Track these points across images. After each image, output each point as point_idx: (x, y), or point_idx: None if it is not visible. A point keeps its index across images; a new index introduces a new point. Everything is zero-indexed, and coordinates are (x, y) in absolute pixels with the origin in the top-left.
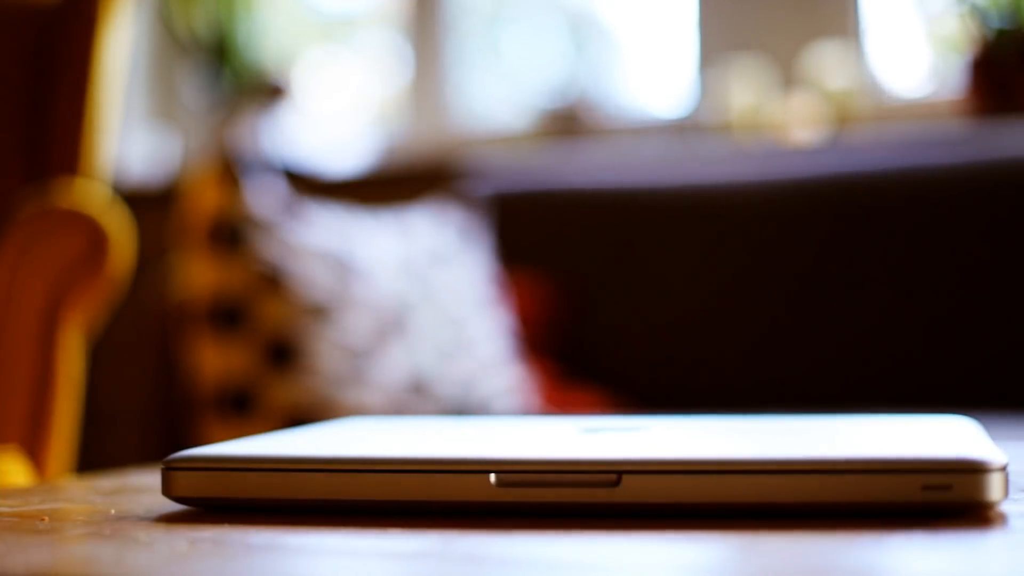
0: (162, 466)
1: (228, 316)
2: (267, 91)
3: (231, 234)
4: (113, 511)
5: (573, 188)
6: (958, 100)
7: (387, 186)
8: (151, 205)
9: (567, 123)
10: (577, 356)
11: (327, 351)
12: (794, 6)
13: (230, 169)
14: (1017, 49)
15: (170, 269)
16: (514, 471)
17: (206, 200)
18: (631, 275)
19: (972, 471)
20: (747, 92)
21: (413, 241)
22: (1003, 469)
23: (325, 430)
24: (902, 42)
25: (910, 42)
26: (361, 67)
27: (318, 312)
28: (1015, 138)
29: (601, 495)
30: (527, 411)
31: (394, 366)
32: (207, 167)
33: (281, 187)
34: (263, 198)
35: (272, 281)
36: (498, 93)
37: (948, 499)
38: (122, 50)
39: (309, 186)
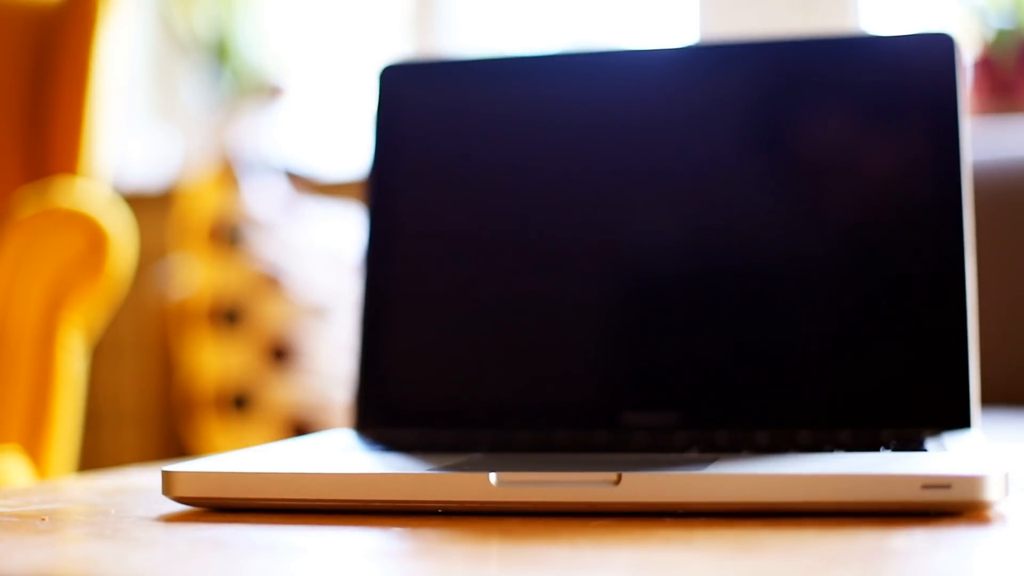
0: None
1: (228, 316)
2: (267, 91)
3: (231, 234)
4: (113, 511)
5: None
6: None
7: None
8: (151, 205)
9: None
10: None
11: (326, 351)
12: (794, 3)
13: (230, 169)
14: (1017, 49)
15: (170, 269)
16: (514, 471)
17: (206, 200)
18: None
19: (971, 470)
20: None
21: None
22: (1002, 468)
23: (327, 436)
24: None
25: None
26: (362, 67)
27: (317, 312)
28: (1015, 138)
29: (601, 495)
30: None
31: None
32: (207, 167)
33: (281, 187)
34: (263, 198)
35: (272, 281)
36: None
37: (948, 498)
38: (122, 50)
39: (309, 186)
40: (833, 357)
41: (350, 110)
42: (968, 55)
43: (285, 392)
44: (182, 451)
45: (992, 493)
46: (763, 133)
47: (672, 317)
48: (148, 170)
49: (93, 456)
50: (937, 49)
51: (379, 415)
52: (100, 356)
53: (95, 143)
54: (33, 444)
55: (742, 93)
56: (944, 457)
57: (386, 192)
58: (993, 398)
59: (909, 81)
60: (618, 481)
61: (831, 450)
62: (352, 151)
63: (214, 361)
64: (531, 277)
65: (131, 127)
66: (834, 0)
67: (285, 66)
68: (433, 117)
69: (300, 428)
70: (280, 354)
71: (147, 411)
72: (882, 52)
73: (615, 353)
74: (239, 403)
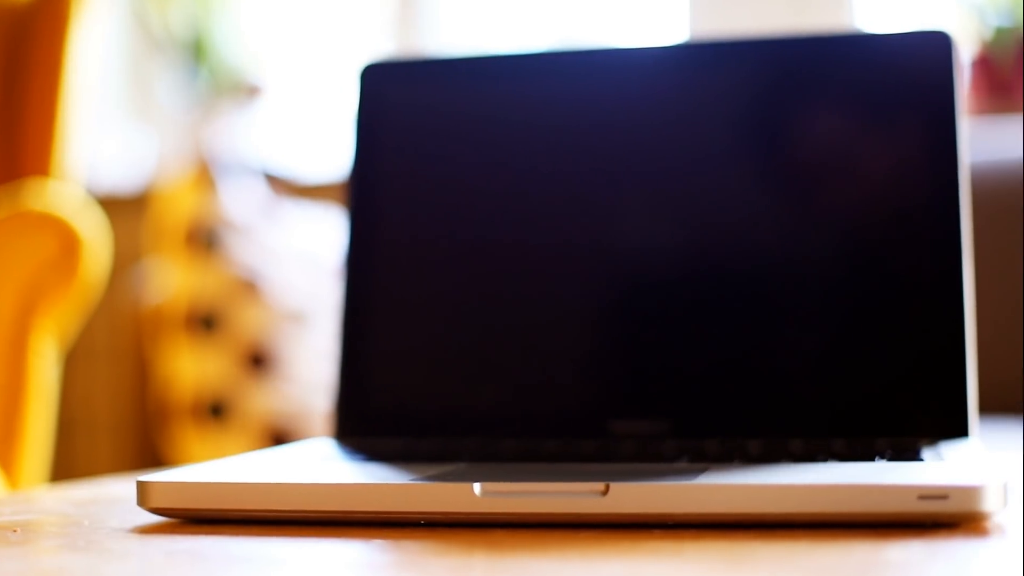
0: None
1: (204, 322)
2: (245, 90)
3: (208, 238)
4: (87, 522)
5: None
6: None
7: None
8: (125, 208)
9: None
10: None
11: (306, 357)
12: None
13: (207, 171)
14: (1016, 47)
15: (145, 274)
16: (499, 481)
17: (182, 203)
18: None
19: (969, 480)
20: None
21: None
22: (1001, 478)
23: (307, 445)
24: None
25: None
26: (342, 65)
27: (296, 318)
28: (1014, 139)
29: (588, 506)
30: None
31: None
32: (183, 169)
33: (259, 189)
34: (241, 201)
35: (249, 286)
36: None
37: (945, 509)
38: (95, 49)
39: (288, 188)
40: (826, 364)
41: (330, 110)
42: (965, 53)
43: (263, 400)
44: (157, 461)
45: (990, 504)
46: (755, 134)
47: (661, 323)
48: (122, 171)
49: (66, 465)
50: (934, 47)
51: (360, 424)
52: (73, 363)
53: (68, 144)
54: (4, 453)
55: (733, 93)
56: (941, 467)
57: (367, 195)
58: (991, 406)
59: (905, 80)
60: (606, 491)
61: (825, 460)
62: (332, 152)
63: (190, 368)
64: (517, 282)
65: (105, 127)
66: None
67: (263, 64)
68: (415, 118)
69: (279, 437)
70: (258, 361)
71: (121, 419)
72: (877, 51)
73: (603, 360)
74: (216, 411)
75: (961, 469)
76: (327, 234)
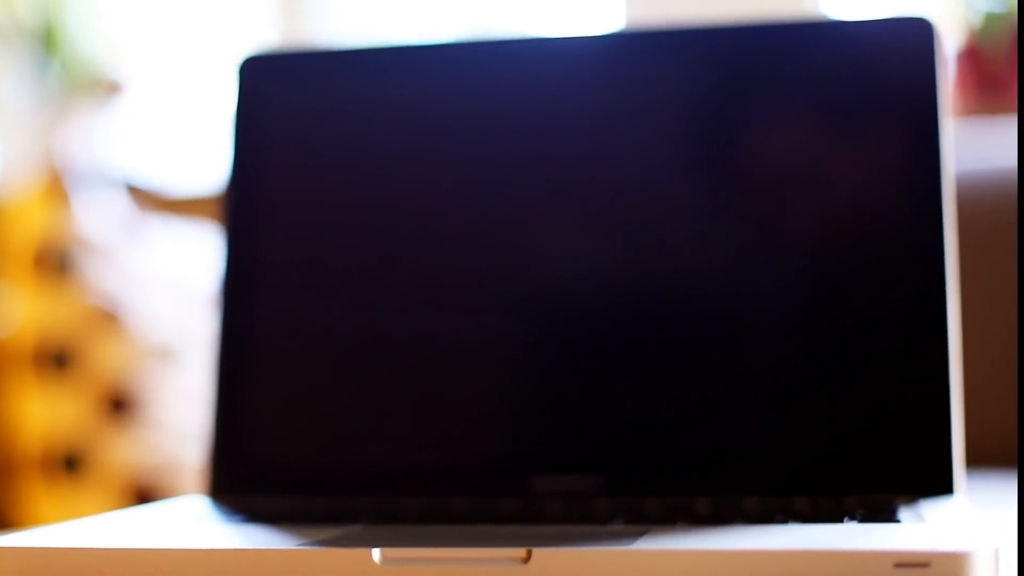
0: None
1: (56, 359)
2: (103, 87)
3: (60, 260)
4: None
5: None
6: None
7: None
8: None
9: None
10: None
11: (175, 401)
12: None
13: (59, 182)
14: (1007, 37)
15: None
16: (402, 546)
17: (29, 219)
18: None
19: (954, 545)
20: None
21: None
22: (991, 543)
23: (176, 504)
24: None
25: None
26: (218, 58)
27: (164, 354)
28: (1005, 142)
29: (508, 575)
30: None
31: None
32: (30, 179)
33: (121, 203)
34: (99, 217)
35: (109, 317)
36: None
37: None
38: None
39: (154, 202)
40: (787, 410)
41: (204, 111)
42: (950, 44)
43: (125, 451)
44: (0, 522)
45: (978, 572)
46: (706, 139)
47: (591, 361)
48: None
49: None
50: (914, 37)
51: (239, 479)
52: None
53: None
54: None
55: (679, 91)
56: (921, 530)
57: (247, 209)
58: (979, 459)
59: (880, 75)
60: (528, 558)
61: (785, 521)
62: (206, 160)
63: (39, 413)
64: (422, 313)
65: None
66: None
67: (125, 57)
68: (303, 119)
69: (144, 494)
70: (119, 405)
71: None
72: (848, 40)
73: (524, 405)
74: (70, 464)
75: (944, 532)
76: (200, 256)
